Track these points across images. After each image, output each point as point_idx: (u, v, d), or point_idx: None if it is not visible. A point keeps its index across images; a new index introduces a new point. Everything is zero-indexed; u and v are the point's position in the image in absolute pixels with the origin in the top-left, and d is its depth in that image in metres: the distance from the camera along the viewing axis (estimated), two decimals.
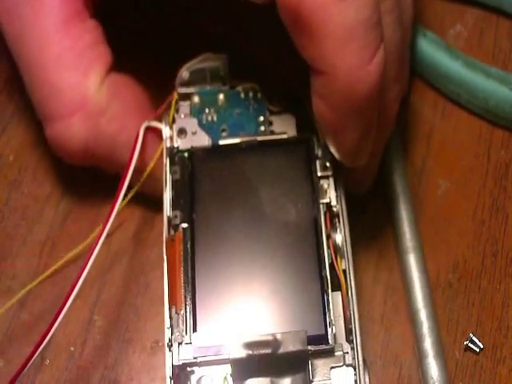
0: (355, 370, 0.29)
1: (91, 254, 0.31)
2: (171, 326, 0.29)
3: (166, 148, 0.33)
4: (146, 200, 0.36)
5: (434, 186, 0.36)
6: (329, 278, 0.30)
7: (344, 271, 0.31)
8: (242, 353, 0.28)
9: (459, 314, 0.33)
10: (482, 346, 0.32)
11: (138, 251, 0.35)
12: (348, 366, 0.29)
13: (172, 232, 0.31)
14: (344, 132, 0.29)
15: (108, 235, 0.36)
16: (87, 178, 0.38)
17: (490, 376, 0.32)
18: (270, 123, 0.34)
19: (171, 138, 0.34)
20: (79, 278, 0.30)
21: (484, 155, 0.37)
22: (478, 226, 0.35)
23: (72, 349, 0.34)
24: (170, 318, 0.30)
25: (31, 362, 0.29)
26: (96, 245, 0.31)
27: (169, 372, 0.29)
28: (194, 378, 0.29)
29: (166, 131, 0.34)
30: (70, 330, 0.34)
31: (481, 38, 0.39)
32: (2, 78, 0.41)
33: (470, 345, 0.32)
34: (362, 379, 0.28)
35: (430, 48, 0.37)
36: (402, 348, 0.33)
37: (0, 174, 0.38)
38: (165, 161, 0.33)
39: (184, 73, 0.35)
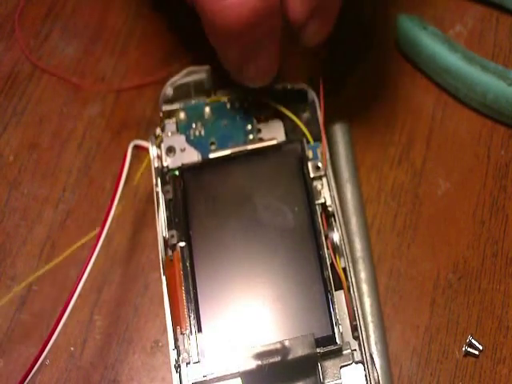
0: (364, 365, 0.29)
1: (92, 254, 0.31)
2: (177, 347, 0.29)
3: (156, 168, 0.33)
4: (146, 200, 0.36)
5: (434, 186, 0.36)
6: (331, 278, 0.30)
7: (344, 269, 0.31)
8: (252, 364, 0.28)
9: (459, 314, 0.33)
10: (481, 348, 0.32)
11: (137, 251, 0.35)
12: (357, 363, 0.29)
13: (169, 252, 0.31)
14: (238, 64, 0.30)
15: (108, 236, 0.36)
16: (87, 177, 0.38)
17: (490, 376, 0.32)
18: (259, 131, 0.34)
19: (160, 158, 0.33)
20: (80, 279, 0.30)
21: (484, 155, 0.37)
22: (478, 226, 0.35)
23: (72, 349, 0.34)
24: (176, 339, 0.29)
25: (37, 366, 0.29)
26: (96, 245, 0.31)
27: None
28: None
29: (153, 151, 0.33)
30: (70, 330, 0.34)
31: (481, 38, 0.39)
32: (1, 78, 0.41)
33: (469, 349, 0.32)
34: (371, 374, 0.29)
35: (429, 40, 0.37)
36: (401, 348, 0.33)
37: (0, 174, 0.38)
38: (155, 181, 0.33)
39: (168, 89, 0.34)
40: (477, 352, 0.32)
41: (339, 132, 0.37)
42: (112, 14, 0.42)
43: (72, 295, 0.30)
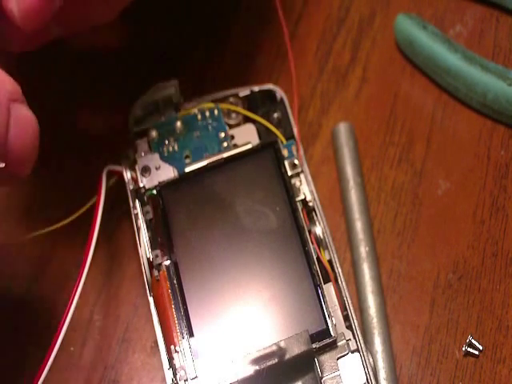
0: (360, 353, 0.29)
1: (87, 254, 0.31)
2: (172, 366, 0.29)
3: (131, 190, 0.33)
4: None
5: (434, 186, 0.36)
6: (319, 272, 0.30)
7: (329, 261, 0.31)
8: (250, 370, 0.28)
9: (459, 314, 0.33)
10: (481, 348, 0.32)
11: (137, 252, 0.35)
12: (353, 352, 0.29)
13: (156, 272, 0.31)
14: None
15: (108, 236, 0.36)
16: (86, 177, 0.38)
17: (489, 376, 0.32)
18: (232, 137, 0.34)
19: (135, 180, 0.33)
20: (80, 279, 0.30)
21: (484, 155, 0.36)
22: (478, 226, 0.35)
23: (72, 349, 0.34)
24: (171, 358, 0.29)
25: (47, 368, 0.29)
26: (90, 244, 0.31)
27: None
28: None
29: (126, 174, 0.33)
30: (70, 330, 0.34)
31: (481, 38, 0.39)
32: None
33: (469, 349, 0.32)
34: (367, 361, 0.29)
35: (429, 40, 0.37)
36: (402, 348, 0.33)
37: None
38: (132, 204, 0.33)
39: (137, 110, 0.34)
40: (477, 352, 0.32)
41: (343, 131, 0.37)
42: None
43: (73, 295, 0.30)
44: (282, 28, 0.36)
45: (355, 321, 0.30)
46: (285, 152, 0.33)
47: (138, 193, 0.33)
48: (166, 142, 0.34)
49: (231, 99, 0.35)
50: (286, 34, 0.36)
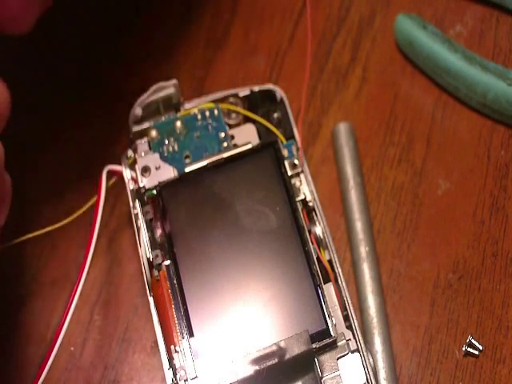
0: (360, 353, 0.29)
1: (87, 254, 0.31)
2: (172, 366, 0.29)
3: (132, 190, 0.33)
4: None
5: (434, 186, 0.36)
6: (319, 272, 0.30)
7: (329, 261, 0.31)
8: (250, 370, 0.28)
9: (459, 314, 0.33)
10: (481, 348, 0.32)
11: (137, 252, 0.35)
12: (353, 352, 0.29)
13: (156, 272, 0.31)
14: None
15: (108, 236, 0.36)
16: (86, 177, 0.38)
17: (489, 376, 0.32)
18: (232, 137, 0.34)
19: (135, 180, 0.33)
20: (80, 279, 0.30)
21: (484, 155, 0.36)
22: (478, 226, 0.35)
23: (72, 349, 0.34)
24: (171, 358, 0.29)
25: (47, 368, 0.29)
26: (90, 244, 0.31)
27: None
28: None
29: (126, 174, 0.33)
30: (70, 330, 0.34)
31: (481, 38, 0.39)
32: None
33: (469, 349, 0.32)
34: (367, 361, 0.29)
35: (429, 40, 0.37)
36: (402, 348, 0.33)
37: None
38: (132, 204, 0.33)
39: (137, 110, 0.34)
40: (477, 352, 0.32)
41: (343, 131, 0.37)
42: None
43: (73, 295, 0.30)
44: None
45: (355, 321, 0.30)
46: (285, 152, 0.33)
47: (138, 193, 0.33)
48: (166, 141, 0.34)
49: (231, 99, 0.35)
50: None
